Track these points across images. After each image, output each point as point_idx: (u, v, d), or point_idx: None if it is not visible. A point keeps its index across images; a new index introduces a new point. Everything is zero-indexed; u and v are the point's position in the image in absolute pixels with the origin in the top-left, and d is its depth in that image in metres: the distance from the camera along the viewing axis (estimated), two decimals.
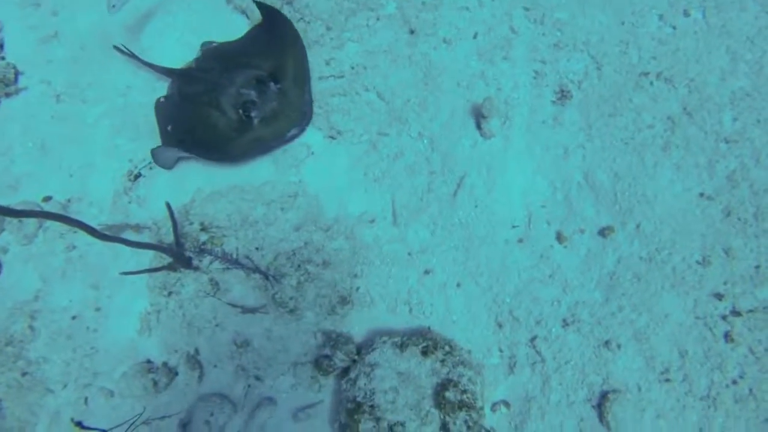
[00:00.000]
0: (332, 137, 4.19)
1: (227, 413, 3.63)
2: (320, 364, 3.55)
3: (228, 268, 3.84)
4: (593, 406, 3.31)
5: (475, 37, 4.28)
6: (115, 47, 4.43)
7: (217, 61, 4.35)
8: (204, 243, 3.88)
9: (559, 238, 3.73)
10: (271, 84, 4.05)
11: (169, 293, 3.85)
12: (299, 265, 3.79)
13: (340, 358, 3.55)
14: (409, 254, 3.83)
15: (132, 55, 4.37)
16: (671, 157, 3.70)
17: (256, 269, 3.78)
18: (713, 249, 3.42)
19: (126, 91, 4.47)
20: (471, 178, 3.91)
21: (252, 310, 3.73)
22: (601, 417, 3.24)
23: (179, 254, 3.72)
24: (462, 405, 3.15)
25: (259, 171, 4.15)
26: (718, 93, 3.79)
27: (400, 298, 3.76)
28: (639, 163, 3.78)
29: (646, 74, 3.98)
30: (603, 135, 3.91)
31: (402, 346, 3.38)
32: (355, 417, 3.21)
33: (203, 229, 3.96)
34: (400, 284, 3.78)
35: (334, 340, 3.61)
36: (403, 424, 3.16)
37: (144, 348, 3.79)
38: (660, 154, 3.75)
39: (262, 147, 4.08)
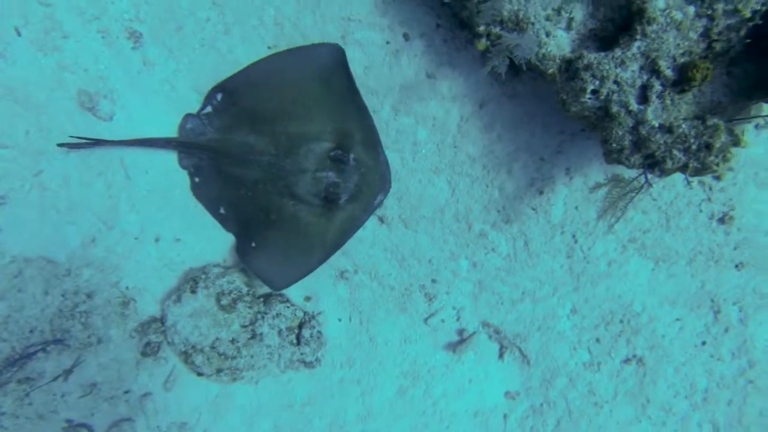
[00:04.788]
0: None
1: None
2: (146, 352, 4.50)
3: (24, 365, 4.33)
4: None
5: None
6: (61, 145, 3.94)
7: (249, 126, 3.78)
8: None
9: None
10: (349, 158, 3.72)
11: None
12: (72, 314, 4.44)
13: (154, 335, 4.51)
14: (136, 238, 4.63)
15: (94, 143, 3.86)
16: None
17: (46, 345, 4.35)
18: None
19: None
20: None
21: (68, 374, 4.40)
22: None
23: None
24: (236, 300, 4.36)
25: None
26: None
27: (155, 264, 4.63)
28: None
29: None
30: (182, 51, 4.43)
31: (180, 297, 4.38)
32: (189, 361, 4.32)
33: None
34: (143, 259, 4.61)
35: (142, 328, 4.51)
36: (218, 338, 4.33)
37: None
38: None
39: (356, 224, 3.86)
